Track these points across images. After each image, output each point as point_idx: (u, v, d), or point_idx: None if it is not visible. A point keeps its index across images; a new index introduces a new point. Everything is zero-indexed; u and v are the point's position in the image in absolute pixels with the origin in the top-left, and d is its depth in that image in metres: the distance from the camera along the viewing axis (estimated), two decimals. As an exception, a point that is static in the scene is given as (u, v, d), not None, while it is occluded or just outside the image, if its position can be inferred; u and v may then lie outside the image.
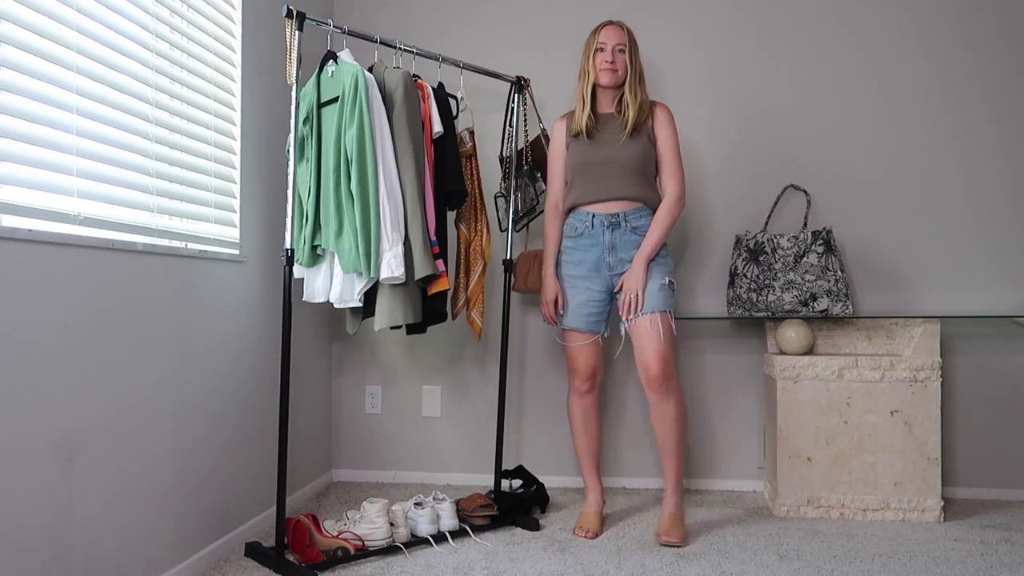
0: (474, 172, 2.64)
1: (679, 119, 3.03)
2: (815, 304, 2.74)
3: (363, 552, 2.18)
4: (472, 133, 2.64)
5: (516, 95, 2.70)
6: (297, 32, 2.13)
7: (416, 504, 2.38)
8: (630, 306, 2.34)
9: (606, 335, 2.49)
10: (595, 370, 2.48)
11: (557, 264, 2.49)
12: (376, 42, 2.37)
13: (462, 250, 2.67)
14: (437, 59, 2.52)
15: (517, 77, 2.69)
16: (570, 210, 2.47)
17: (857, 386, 2.61)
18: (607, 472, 3.03)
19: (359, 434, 3.14)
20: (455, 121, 2.54)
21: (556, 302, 2.47)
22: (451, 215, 2.79)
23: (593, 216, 2.40)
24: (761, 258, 2.80)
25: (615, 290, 2.43)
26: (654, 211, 2.41)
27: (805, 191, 2.95)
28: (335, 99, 2.25)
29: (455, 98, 2.58)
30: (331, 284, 2.33)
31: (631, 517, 2.62)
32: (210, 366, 2.14)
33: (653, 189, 2.44)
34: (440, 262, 2.35)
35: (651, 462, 3.03)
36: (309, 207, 2.28)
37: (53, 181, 1.59)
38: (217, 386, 2.19)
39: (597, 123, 2.43)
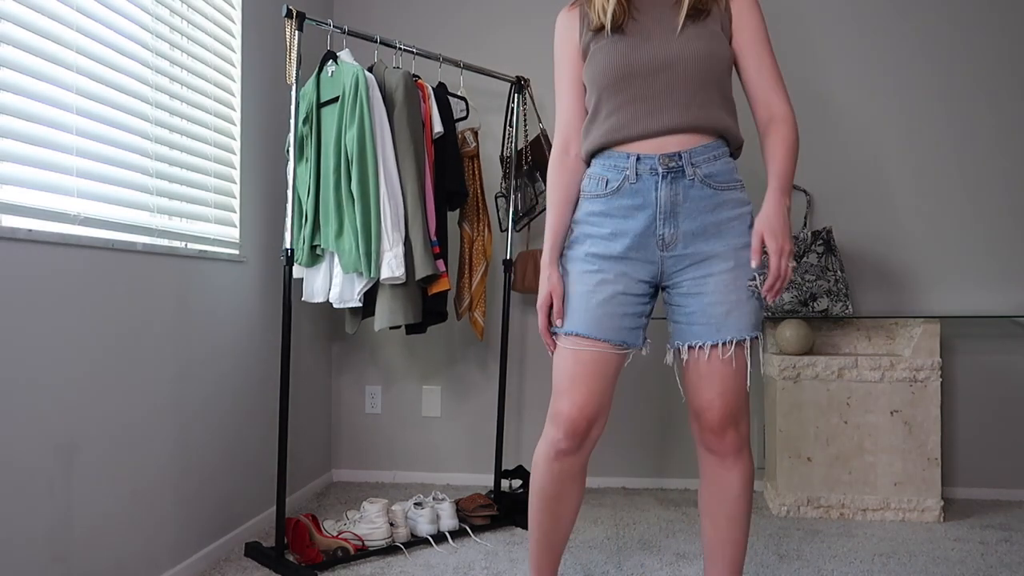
0: (477, 172, 2.64)
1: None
2: (815, 304, 2.74)
3: (363, 552, 2.18)
4: (476, 133, 2.64)
5: (516, 95, 2.70)
6: (297, 32, 2.13)
7: (416, 504, 2.38)
8: (778, 282, 1.44)
9: (645, 351, 1.59)
10: (596, 415, 1.52)
11: (567, 246, 1.58)
12: (376, 42, 2.37)
13: (466, 249, 2.67)
14: (437, 59, 2.52)
15: (517, 77, 2.69)
16: (594, 154, 1.57)
17: (857, 386, 2.61)
18: (607, 472, 3.03)
19: (359, 434, 3.15)
20: (463, 122, 2.54)
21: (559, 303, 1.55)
22: (453, 215, 2.80)
23: (637, 160, 1.50)
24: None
25: (661, 284, 1.56)
26: (733, 151, 1.57)
27: (805, 191, 2.95)
28: (335, 99, 2.25)
29: (464, 99, 2.59)
30: (331, 284, 2.33)
31: (631, 517, 2.62)
32: (210, 366, 2.14)
33: (732, 112, 1.55)
34: (440, 262, 2.35)
35: (651, 462, 3.03)
36: (309, 207, 2.28)
37: (53, 181, 1.59)
38: (217, 386, 2.19)
39: (630, 8, 1.52)
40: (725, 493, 1.56)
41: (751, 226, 1.52)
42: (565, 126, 1.62)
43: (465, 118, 2.61)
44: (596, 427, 1.53)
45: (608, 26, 1.51)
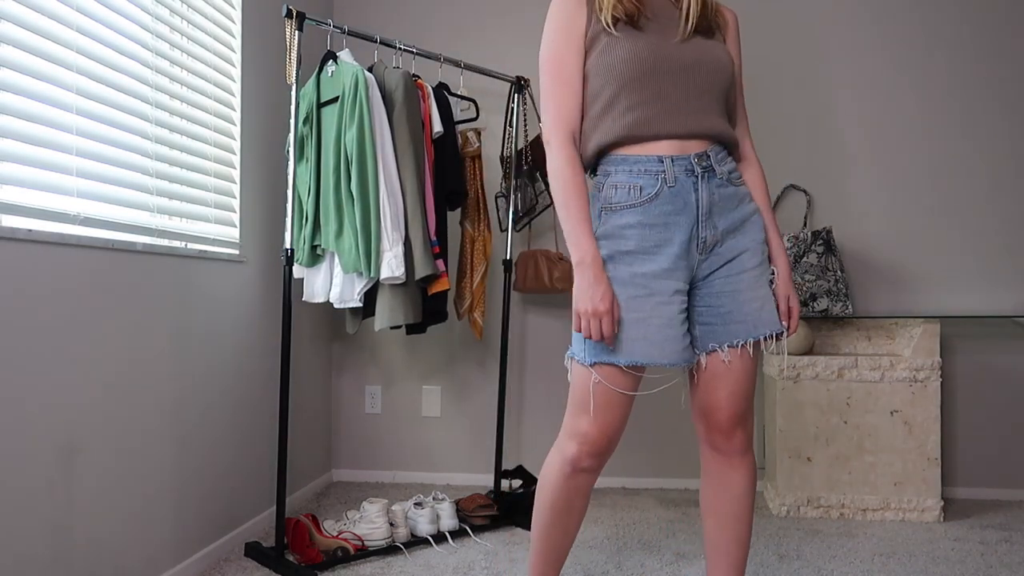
0: (478, 172, 2.64)
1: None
2: (815, 304, 2.74)
3: (363, 552, 2.18)
4: (479, 133, 2.64)
5: (516, 95, 2.70)
6: (297, 32, 2.13)
7: (416, 504, 2.38)
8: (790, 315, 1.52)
9: (704, 363, 1.50)
10: (618, 433, 1.49)
11: (607, 260, 1.43)
12: (376, 42, 2.37)
13: (467, 249, 2.67)
14: (437, 59, 2.52)
15: (517, 77, 2.69)
16: (603, 153, 1.49)
17: (857, 386, 2.61)
18: (607, 472, 3.03)
19: (359, 434, 3.14)
20: (472, 123, 2.55)
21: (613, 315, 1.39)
22: (454, 215, 2.80)
23: (671, 162, 1.44)
24: (761, 258, 2.80)
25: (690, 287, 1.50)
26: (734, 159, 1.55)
27: (805, 191, 2.95)
28: (335, 99, 2.25)
29: (473, 101, 2.60)
30: (331, 284, 2.33)
31: (631, 517, 2.62)
32: (210, 366, 2.14)
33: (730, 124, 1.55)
34: (440, 262, 2.35)
35: (651, 462, 3.03)
36: (309, 207, 2.28)
37: (53, 181, 1.59)
38: (217, 386, 2.19)
39: (642, 7, 1.47)
40: (731, 492, 1.55)
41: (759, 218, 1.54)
42: (569, 115, 1.48)
43: (475, 119, 2.63)
44: (616, 442, 1.50)
45: (625, 16, 1.44)
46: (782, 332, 1.48)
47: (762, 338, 1.46)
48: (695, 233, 1.43)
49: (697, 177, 1.44)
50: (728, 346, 1.47)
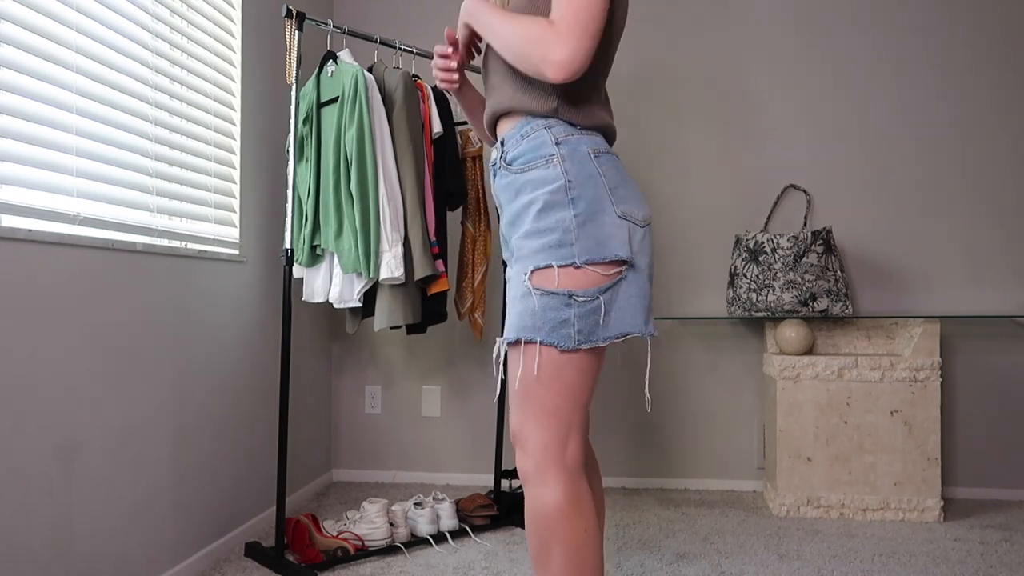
0: (479, 172, 2.64)
1: (679, 118, 3.04)
2: (815, 304, 2.74)
3: (363, 552, 2.18)
4: None
5: (516, 95, 2.69)
6: (297, 32, 2.14)
7: (416, 504, 2.38)
8: None
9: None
10: None
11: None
12: (376, 42, 2.37)
13: (468, 248, 2.67)
14: (437, 59, 2.52)
15: (517, 77, 2.69)
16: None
17: (857, 386, 2.61)
18: (607, 472, 3.03)
19: (359, 434, 3.14)
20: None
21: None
22: (453, 215, 2.80)
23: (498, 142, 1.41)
24: (761, 258, 2.80)
25: None
26: None
27: (805, 191, 2.95)
28: (335, 99, 2.25)
29: None
30: (331, 284, 2.33)
31: (631, 517, 2.62)
32: (210, 366, 2.14)
33: None
34: (440, 262, 2.35)
35: (651, 462, 3.03)
36: (309, 207, 2.28)
37: (53, 181, 1.59)
38: (217, 386, 2.19)
39: None
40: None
41: None
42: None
43: None
44: None
45: None
46: None
47: None
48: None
49: (494, 166, 1.41)
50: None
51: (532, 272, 1.26)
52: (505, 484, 2.80)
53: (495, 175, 1.38)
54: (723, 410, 3.00)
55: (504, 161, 1.34)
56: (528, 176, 1.30)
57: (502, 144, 1.35)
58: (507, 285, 1.35)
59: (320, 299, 2.36)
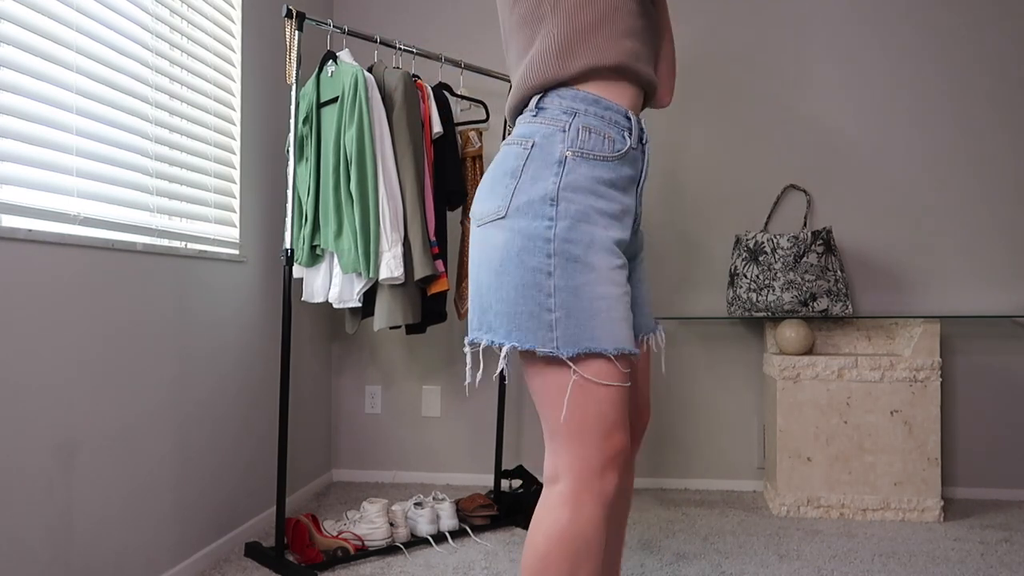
0: (480, 172, 2.64)
1: (680, 118, 3.04)
2: (815, 304, 2.74)
3: (363, 552, 2.18)
4: (480, 133, 2.64)
5: (516, 95, 2.70)
6: (297, 32, 2.14)
7: (416, 504, 2.38)
8: None
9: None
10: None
11: (568, 224, 1.11)
12: (376, 42, 2.37)
13: (468, 248, 2.67)
14: (438, 59, 2.52)
15: (517, 77, 2.69)
16: (585, 78, 1.18)
17: (857, 386, 2.61)
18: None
19: (359, 434, 3.15)
20: (484, 125, 2.56)
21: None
22: (453, 215, 2.80)
23: (636, 121, 1.21)
24: (761, 258, 2.80)
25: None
26: None
27: (805, 191, 2.95)
28: (335, 99, 2.25)
29: (483, 103, 2.61)
30: (330, 284, 2.33)
31: (631, 517, 2.62)
32: (210, 366, 2.15)
33: None
34: (439, 263, 2.35)
35: (651, 461, 3.03)
36: (308, 207, 2.28)
37: (53, 181, 1.59)
38: (217, 386, 2.19)
39: None
40: (629, 500, 1.42)
41: None
42: None
43: (486, 121, 2.64)
44: None
45: None
46: (659, 330, 1.38)
47: (655, 333, 1.35)
48: (636, 208, 1.23)
49: (644, 144, 1.23)
50: (645, 338, 1.34)
51: None
52: (505, 484, 2.80)
53: (646, 152, 1.24)
54: (723, 410, 3.00)
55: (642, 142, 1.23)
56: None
57: (640, 122, 1.23)
58: (642, 267, 1.31)
59: (320, 299, 2.36)
